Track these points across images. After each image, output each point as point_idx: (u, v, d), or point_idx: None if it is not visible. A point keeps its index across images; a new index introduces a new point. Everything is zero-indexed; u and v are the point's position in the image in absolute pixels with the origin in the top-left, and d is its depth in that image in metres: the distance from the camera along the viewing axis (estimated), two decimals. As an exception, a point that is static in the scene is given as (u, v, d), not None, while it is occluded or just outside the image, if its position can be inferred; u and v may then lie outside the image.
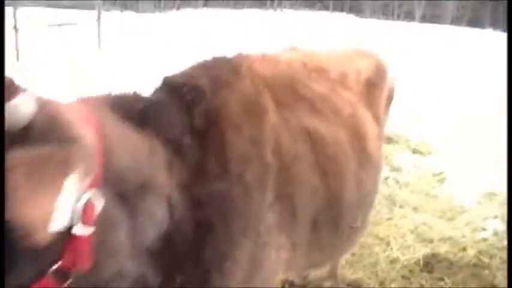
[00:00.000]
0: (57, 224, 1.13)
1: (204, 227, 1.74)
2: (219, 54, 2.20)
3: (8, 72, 1.28)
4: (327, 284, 3.72)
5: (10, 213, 1.06)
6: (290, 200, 2.11)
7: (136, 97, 1.67)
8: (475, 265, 4.17)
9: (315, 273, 3.78)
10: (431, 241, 4.57)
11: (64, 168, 1.13)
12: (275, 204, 2.03)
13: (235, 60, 2.20)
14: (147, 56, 13.97)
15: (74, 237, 1.20)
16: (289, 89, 2.38)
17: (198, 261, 1.75)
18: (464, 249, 4.43)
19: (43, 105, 1.16)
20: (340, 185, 2.39)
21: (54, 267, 1.20)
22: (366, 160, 2.62)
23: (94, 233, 1.24)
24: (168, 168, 1.59)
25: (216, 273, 1.83)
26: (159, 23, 22.28)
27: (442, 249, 4.39)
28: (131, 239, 1.43)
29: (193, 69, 2.06)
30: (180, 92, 1.81)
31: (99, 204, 1.25)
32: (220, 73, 2.04)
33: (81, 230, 1.21)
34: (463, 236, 4.69)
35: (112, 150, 1.34)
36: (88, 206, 1.21)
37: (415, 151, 7.31)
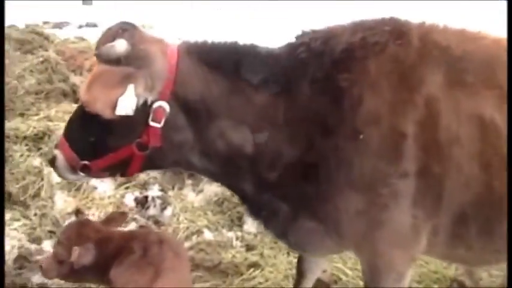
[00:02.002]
0: (120, 110, 1.90)
1: (310, 167, 2.06)
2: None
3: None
4: (502, 293, 3.23)
5: (89, 100, 1.97)
6: (436, 180, 2.05)
7: (230, 48, 2.14)
8: None
9: (489, 280, 3.48)
10: None
11: (128, 80, 1.91)
12: (414, 177, 2.02)
13: (403, 25, 2.16)
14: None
15: (149, 126, 1.97)
16: (484, 70, 2.12)
17: (298, 194, 2.11)
18: None
19: (135, 45, 1.93)
20: (506, 184, 2.09)
21: (136, 140, 2.00)
22: None
23: (162, 128, 1.98)
24: (265, 107, 2.04)
25: (321, 212, 2.12)
26: None
27: None
28: (198, 144, 2.07)
29: (347, 26, 2.17)
30: (298, 47, 2.10)
31: (165, 110, 1.97)
32: (374, 34, 2.09)
33: (152, 123, 1.97)
34: None
35: (181, 82, 1.99)
36: (157, 109, 1.96)
37: None
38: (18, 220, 3.52)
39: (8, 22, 6.66)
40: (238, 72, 2.04)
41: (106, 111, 1.94)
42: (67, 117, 2.52)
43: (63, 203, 3.74)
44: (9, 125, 4.39)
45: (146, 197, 3.98)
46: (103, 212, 3.71)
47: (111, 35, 1.99)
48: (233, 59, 2.06)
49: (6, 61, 5.21)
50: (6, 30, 6.04)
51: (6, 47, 5.51)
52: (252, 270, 3.36)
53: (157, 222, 3.76)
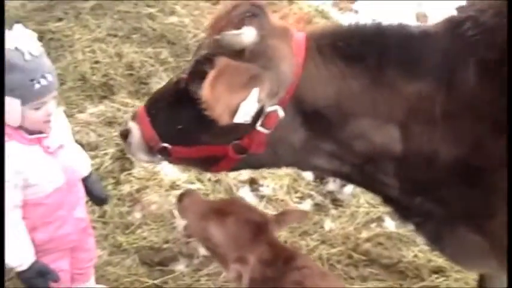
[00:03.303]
0: (239, 118, 1.59)
1: (474, 171, 1.70)
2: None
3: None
4: None
5: (211, 101, 1.56)
6: None
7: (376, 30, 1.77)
8: None
9: None
10: None
11: (253, 82, 1.58)
12: None
13: None
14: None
15: (256, 131, 1.71)
16: None
17: (459, 199, 1.77)
18: None
19: (263, 38, 1.66)
20: None
21: (235, 142, 1.77)
22: None
23: (271, 134, 1.73)
24: (419, 100, 1.68)
25: (486, 226, 1.78)
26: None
27: None
28: (327, 146, 1.80)
29: None
30: (462, 22, 1.71)
31: (279, 116, 1.70)
32: None
33: (261, 128, 1.71)
34: None
35: (307, 84, 1.71)
36: (271, 114, 1.69)
37: None
38: (193, 183, 3.44)
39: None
40: (384, 61, 1.70)
41: (224, 117, 1.60)
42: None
43: (238, 169, 3.57)
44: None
45: (327, 171, 3.67)
46: (278, 184, 3.48)
47: (236, 17, 1.70)
48: (377, 46, 1.72)
49: (196, 12, 5.14)
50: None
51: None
52: (435, 276, 3.00)
53: (335, 201, 3.46)
